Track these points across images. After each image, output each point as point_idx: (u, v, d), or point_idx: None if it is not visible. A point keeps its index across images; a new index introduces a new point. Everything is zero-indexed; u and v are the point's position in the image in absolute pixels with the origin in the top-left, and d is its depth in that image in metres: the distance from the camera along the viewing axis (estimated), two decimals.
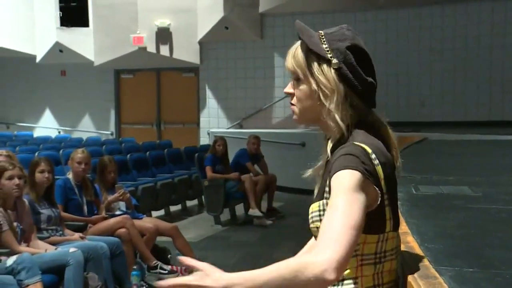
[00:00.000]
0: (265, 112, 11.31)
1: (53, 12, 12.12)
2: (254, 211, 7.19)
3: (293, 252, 1.50)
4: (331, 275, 1.12)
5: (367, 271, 1.35)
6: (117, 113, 12.64)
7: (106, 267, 4.16)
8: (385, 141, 1.40)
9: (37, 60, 12.31)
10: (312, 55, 1.38)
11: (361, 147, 1.30)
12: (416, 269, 1.37)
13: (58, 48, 11.95)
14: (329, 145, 1.41)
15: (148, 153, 8.24)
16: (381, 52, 9.69)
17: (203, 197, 7.87)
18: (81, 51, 11.88)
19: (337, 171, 1.27)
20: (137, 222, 4.86)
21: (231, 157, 7.65)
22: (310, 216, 1.38)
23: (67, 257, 3.79)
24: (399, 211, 1.44)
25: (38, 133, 12.49)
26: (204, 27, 11.15)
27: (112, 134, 12.58)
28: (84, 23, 12.04)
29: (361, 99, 1.38)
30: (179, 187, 7.67)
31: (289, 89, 1.45)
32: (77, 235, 4.35)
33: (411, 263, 1.43)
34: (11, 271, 3.53)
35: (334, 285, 1.37)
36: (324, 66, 1.37)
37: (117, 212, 4.97)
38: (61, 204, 4.54)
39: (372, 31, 9.98)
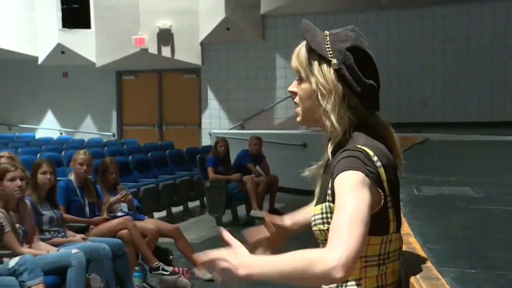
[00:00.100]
0: (266, 113, 11.31)
1: (55, 14, 12.14)
2: (256, 212, 7.18)
3: None
4: (338, 273, 1.13)
5: (371, 273, 1.35)
6: (119, 114, 12.65)
7: (108, 268, 4.16)
8: (387, 143, 1.39)
9: (39, 61, 12.32)
10: (314, 54, 1.39)
11: (363, 149, 1.30)
12: (419, 270, 1.37)
13: (60, 50, 11.96)
14: (330, 146, 1.41)
15: (149, 154, 8.25)
16: (383, 52, 9.68)
17: (205, 198, 7.87)
18: (83, 52, 11.89)
19: (340, 172, 1.27)
20: (139, 223, 4.86)
21: (232, 158, 7.65)
22: (312, 219, 1.38)
23: (69, 258, 3.79)
24: (401, 212, 1.44)
25: (40, 134, 12.50)
26: (205, 28, 11.15)
27: (114, 135, 12.59)
28: (86, 24, 12.05)
29: (360, 100, 1.37)
30: (181, 188, 7.67)
31: (292, 87, 1.46)
32: (79, 236, 4.35)
33: (413, 264, 1.43)
34: (13, 272, 3.53)
35: (338, 287, 1.37)
36: (324, 66, 1.37)
37: (119, 214, 4.96)
38: (63, 205, 4.55)
39: (374, 32, 9.97)
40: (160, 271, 4.74)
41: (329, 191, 1.34)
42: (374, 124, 1.40)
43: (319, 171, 1.47)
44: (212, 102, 11.82)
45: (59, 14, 12.16)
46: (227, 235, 1.32)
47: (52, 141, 11.03)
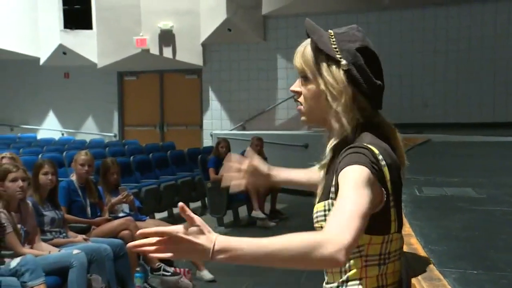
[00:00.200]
0: (268, 114, 11.31)
1: (57, 15, 12.16)
2: (257, 213, 7.19)
3: None
4: (343, 257, 1.11)
5: (372, 272, 1.34)
6: (120, 115, 12.66)
7: (110, 269, 4.16)
8: (390, 143, 1.39)
9: (41, 62, 12.34)
10: (321, 55, 1.37)
11: (369, 148, 1.30)
12: (420, 271, 1.37)
13: (62, 51, 11.98)
14: (330, 144, 1.40)
15: (151, 155, 8.25)
16: (385, 53, 9.61)
17: (206, 199, 7.87)
18: (85, 53, 11.91)
19: (346, 166, 1.26)
20: (140, 224, 4.86)
21: None
22: (314, 216, 1.37)
23: (71, 259, 3.79)
24: (402, 212, 1.44)
25: (41, 135, 12.52)
26: (207, 29, 11.16)
27: (115, 136, 12.60)
28: (88, 25, 12.07)
29: (368, 100, 1.37)
30: (182, 189, 7.67)
31: (296, 87, 1.44)
32: (80, 237, 4.35)
33: (415, 265, 1.43)
34: (15, 273, 3.54)
35: (338, 286, 1.37)
36: (333, 67, 1.35)
37: (121, 214, 4.97)
38: (65, 206, 4.55)
39: (376, 33, 9.96)
40: (162, 272, 4.74)
41: (332, 189, 1.33)
42: (379, 124, 1.40)
43: (321, 171, 1.46)
44: (214, 103, 11.82)
45: (61, 15, 12.19)
46: (188, 210, 1.15)
47: (54, 141, 11.04)
